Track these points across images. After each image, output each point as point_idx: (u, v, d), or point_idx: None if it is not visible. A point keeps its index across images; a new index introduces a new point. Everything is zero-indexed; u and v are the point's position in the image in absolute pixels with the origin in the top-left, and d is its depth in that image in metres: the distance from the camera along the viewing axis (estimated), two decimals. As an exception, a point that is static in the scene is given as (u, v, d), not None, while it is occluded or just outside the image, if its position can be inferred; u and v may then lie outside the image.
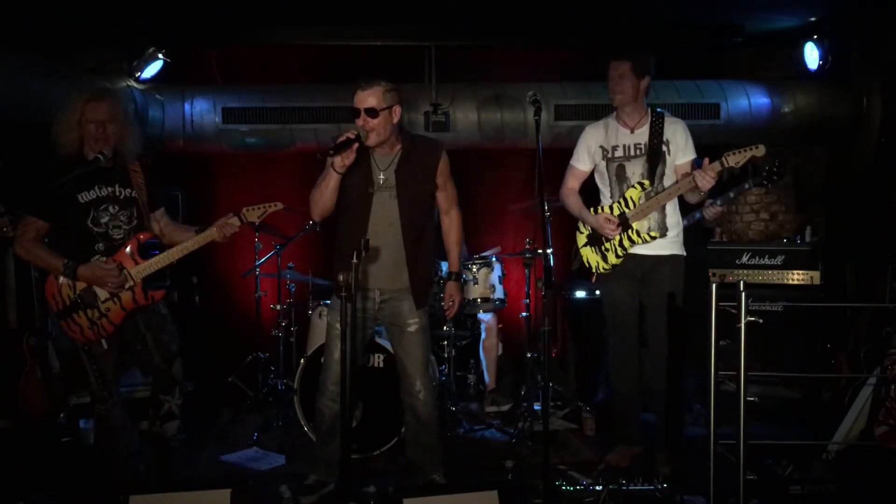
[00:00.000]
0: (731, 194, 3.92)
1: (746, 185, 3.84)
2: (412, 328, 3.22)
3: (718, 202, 3.85)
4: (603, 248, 3.66)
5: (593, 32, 5.23)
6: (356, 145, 2.98)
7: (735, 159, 3.34)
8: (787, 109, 5.28)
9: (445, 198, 3.29)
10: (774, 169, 3.54)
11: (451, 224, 3.36)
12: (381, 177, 3.13)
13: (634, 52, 3.58)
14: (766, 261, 4.91)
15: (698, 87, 5.27)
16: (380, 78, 3.07)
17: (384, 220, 3.12)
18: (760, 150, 3.33)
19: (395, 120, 3.09)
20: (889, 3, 4.71)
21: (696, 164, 3.49)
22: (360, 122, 3.03)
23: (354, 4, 4.71)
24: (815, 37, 5.19)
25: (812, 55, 5.27)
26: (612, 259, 3.63)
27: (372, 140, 3.04)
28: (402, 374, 3.30)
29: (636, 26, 5.14)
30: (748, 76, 5.51)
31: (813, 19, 5.07)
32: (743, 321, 2.65)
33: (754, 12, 4.96)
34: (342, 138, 2.97)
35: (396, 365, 3.34)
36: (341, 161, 2.98)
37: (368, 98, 3.01)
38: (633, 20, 5.11)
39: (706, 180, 3.34)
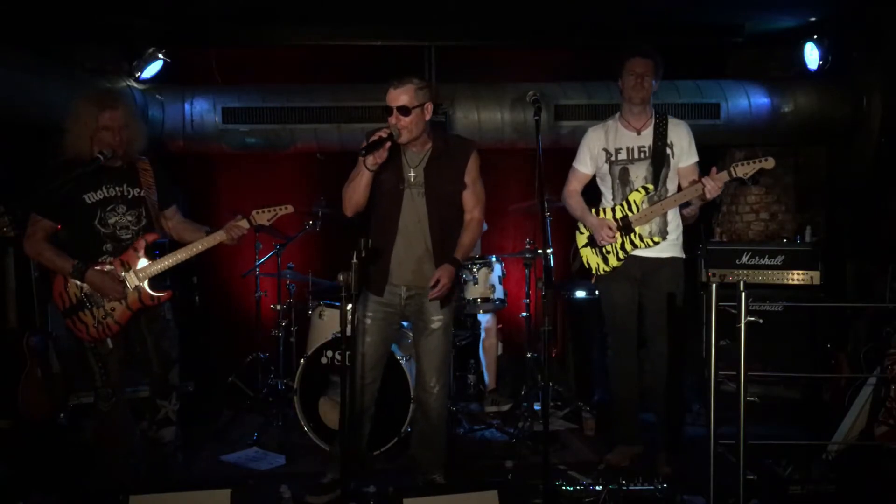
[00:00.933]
0: None
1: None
2: (435, 325, 3.24)
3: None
4: (604, 250, 3.65)
5: (593, 32, 5.23)
6: (388, 144, 2.99)
7: (744, 170, 3.33)
8: (787, 109, 5.28)
9: (471, 197, 3.24)
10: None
11: (471, 221, 3.27)
12: (411, 174, 3.14)
13: (655, 51, 3.55)
14: (766, 261, 4.91)
15: (698, 87, 5.26)
16: (412, 75, 3.08)
17: (413, 217, 3.14)
18: (770, 163, 3.33)
19: (427, 117, 3.10)
20: (889, 3, 4.71)
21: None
22: (392, 119, 3.03)
23: (354, 4, 4.71)
24: (815, 37, 5.19)
25: (812, 55, 5.27)
26: (612, 261, 3.63)
27: (404, 138, 3.05)
28: (418, 370, 3.32)
29: (636, 26, 5.14)
30: (748, 76, 5.51)
31: (813, 19, 5.07)
32: (743, 321, 2.65)
33: (754, 12, 4.95)
34: (374, 137, 2.99)
35: (415, 361, 3.36)
36: (373, 160, 2.99)
37: (401, 96, 3.01)
38: (633, 20, 5.11)
39: (714, 189, 3.34)
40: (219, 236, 3.20)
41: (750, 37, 5.23)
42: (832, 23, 5.05)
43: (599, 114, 4.82)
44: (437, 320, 3.23)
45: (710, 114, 5.18)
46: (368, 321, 3.23)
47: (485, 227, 5.04)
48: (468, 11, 4.88)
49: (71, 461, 3.75)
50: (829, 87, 5.27)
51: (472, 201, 3.25)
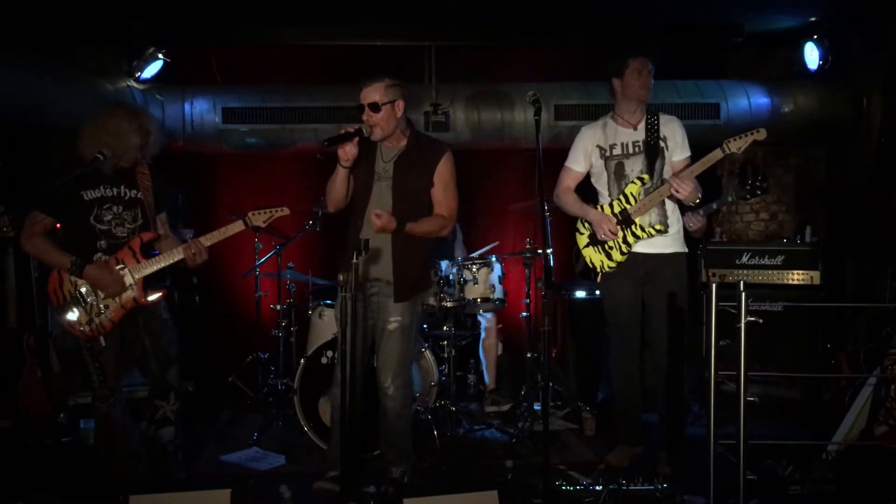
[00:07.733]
0: (714, 206, 3.90)
1: (730, 198, 3.87)
2: (392, 326, 3.27)
3: (701, 212, 3.69)
4: (606, 246, 3.64)
5: (593, 32, 5.23)
6: (356, 139, 3.11)
7: (737, 145, 3.36)
8: (787, 109, 5.28)
9: (440, 194, 3.28)
10: (758, 182, 3.55)
11: (437, 216, 3.29)
12: (383, 167, 3.27)
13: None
14: (766, 261, 4.91)
15: (698, 87, 5.27)
16: (384, 74, 3.19)
17: (378, 209, 3.17)
18: (762, 134, 3.35)
19: (399, 114, 3.21)
20: (889, 3, 4.71)
21: (711, 209, 3.61)
22: (364, 116, 3.17)
23: (354, 4, 4.71)
24: (815, 37, 5.19)
25: (812, 55, 5.26)
26: (616, 256, 3.61)
27: (376, 134, 3.19)
28: (377, 368, 3.35)
29: (636, 26, 5.14)
30: (748, 76, 5.51)
31: (813, 19, 5.07)
32: (743, 321, 2.65)
33: (754, 12, 4.95)
34: (341, 131, 3.11)
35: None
36: (344, 154, 3.13)
37: (371, 94, 3.15)
38: (634, 20, 5.10)
39: (684, 187, 3.35)
40: (178, 252, 3.17)
41: (750, 37, 5.23)
42: (832, 23, 5.05)
43: (599, 114, 4.76)
44: (393, 321, 3.27)
45: (710, 114, 5.18)
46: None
47: (459, 236, 5.06)
48: (468, 11, 4.88)
49: (71, 461, 3.75)
50: (829, 87, 5.28)
51: (438, 205, 3.30)
